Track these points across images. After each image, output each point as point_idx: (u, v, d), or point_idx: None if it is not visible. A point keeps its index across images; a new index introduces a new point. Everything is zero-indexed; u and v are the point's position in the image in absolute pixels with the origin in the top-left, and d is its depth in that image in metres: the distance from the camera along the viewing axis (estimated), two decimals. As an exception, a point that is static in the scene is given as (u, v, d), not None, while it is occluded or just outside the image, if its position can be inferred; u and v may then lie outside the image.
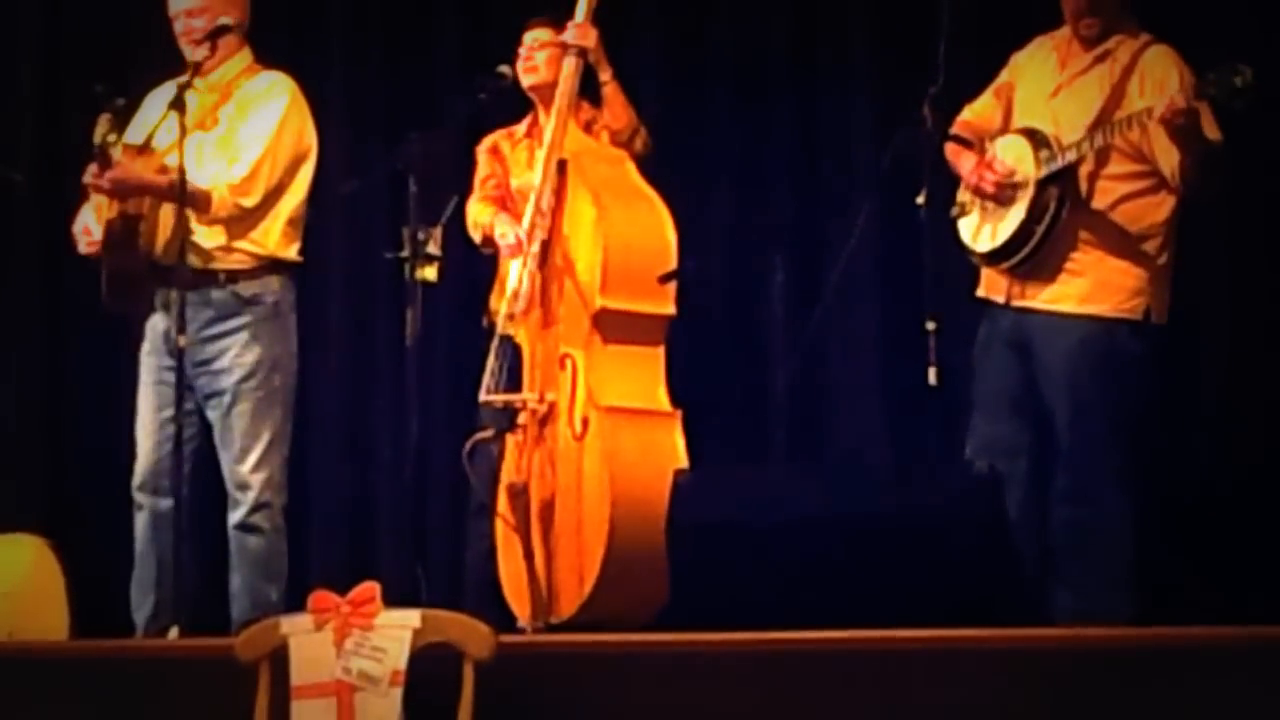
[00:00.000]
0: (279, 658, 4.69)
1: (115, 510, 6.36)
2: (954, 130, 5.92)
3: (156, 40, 6.43)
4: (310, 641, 4.68)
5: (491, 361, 6.13)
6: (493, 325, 6.22)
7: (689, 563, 5.20)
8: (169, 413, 5.91)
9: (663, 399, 6.06)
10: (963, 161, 5.90)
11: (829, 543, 5.03)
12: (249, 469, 5.99)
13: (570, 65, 6.25)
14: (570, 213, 6.13)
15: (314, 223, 6.25)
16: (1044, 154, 5.70)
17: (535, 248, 6.12)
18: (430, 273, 6.03)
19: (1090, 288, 5.72)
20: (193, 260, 5.98)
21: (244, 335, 6.01)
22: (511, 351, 6.14)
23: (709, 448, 6.25)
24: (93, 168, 5.93)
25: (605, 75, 6.31)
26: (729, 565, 5.10)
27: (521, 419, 6.09)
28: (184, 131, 5.84)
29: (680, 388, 6.09)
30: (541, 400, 6.05)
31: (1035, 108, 5.84)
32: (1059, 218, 5.69)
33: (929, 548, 4.96)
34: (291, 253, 6.13)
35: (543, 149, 6.23)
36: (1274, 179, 6.28)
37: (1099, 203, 5.73)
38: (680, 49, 7.13)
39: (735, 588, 5.06)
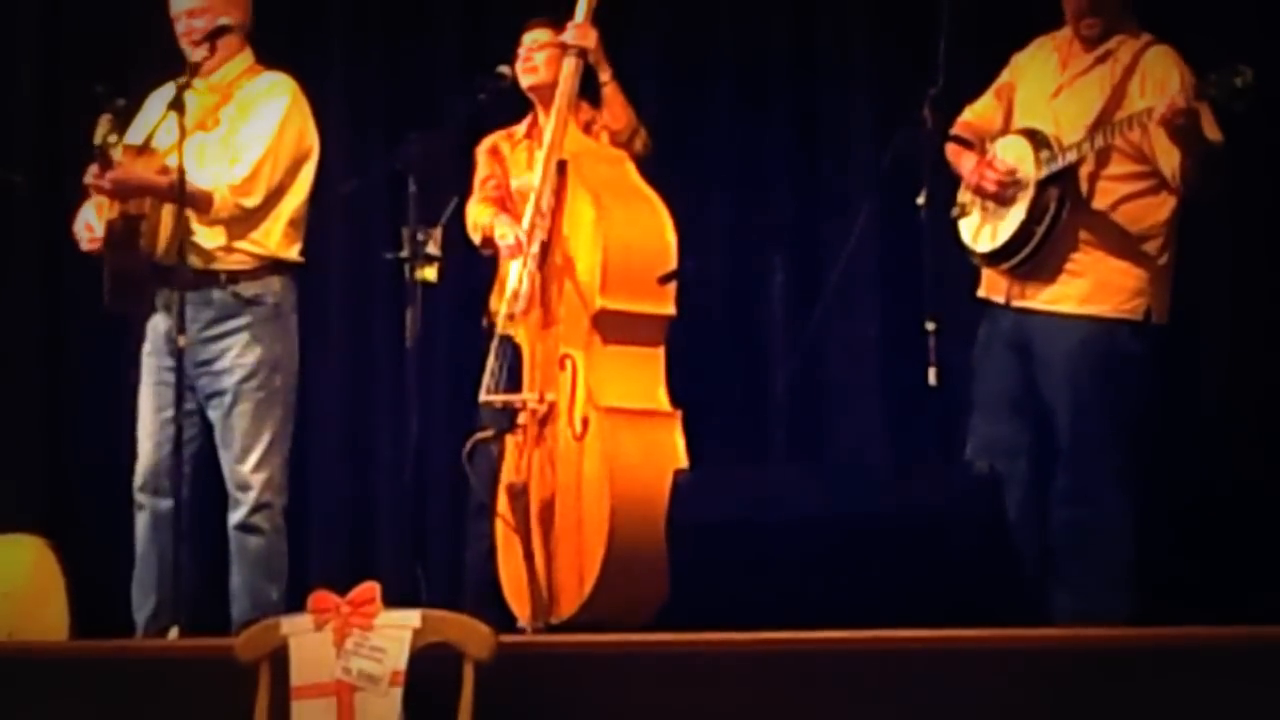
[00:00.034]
0: (279, 658, 4.70)
1: (115, 510, 6.37)
2: (954, 131, 5.92)
3: (157, 41, 6.43)
4: (310, 642, 4.68)
5: (491, 362, 6.14)
6: (492, 325, 6.22)
7: (689, 563, 5.20)
8: (170, 413, 5.91)
9: (663, 399, 6.06)
10: (963, 162, 5.90)
11: (829, 543, 5.03)
12: (249, 469, 5.99)
13: (570, 66, 6.25)
14: (570, 213, 6.13)
15: (314, 223, 6.25)
16: (1044, 154, 5.70)
17: (535, 248, 6.13)
18: (430, 273, 6.03)
19: (1091, 288, 5.72)
20: (194, 261, 5.98)
21: (245, 336, 6.01)
22: (511, 352, 6.14)
23: (709, 448, 6.25)
24: (93, 168, 5.93)
25: (605, 76, 6.31)
26: (729, 565, 5.09)
27: (521, 419, 6.09)
28: (183, 132, 5.85)
29: (680, 388, 6.10)
30: (541, 400, 6.05)
31: (1036, 108, 5.84)
32: (1059, 218, 5.69)
33: (929, 548, 4.96)
34: (293, 253, 6.13)
35: (542, 149, 6.23)
36: (1274, 179, 6.28)
37: (1099, 203, 5.73)
38: (680, 49, 7.13)
39: (735, 588, 5.06)
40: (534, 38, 6.40)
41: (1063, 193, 5.69)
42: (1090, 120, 5.69)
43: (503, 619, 5.90)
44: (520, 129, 6.51)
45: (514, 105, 6.49)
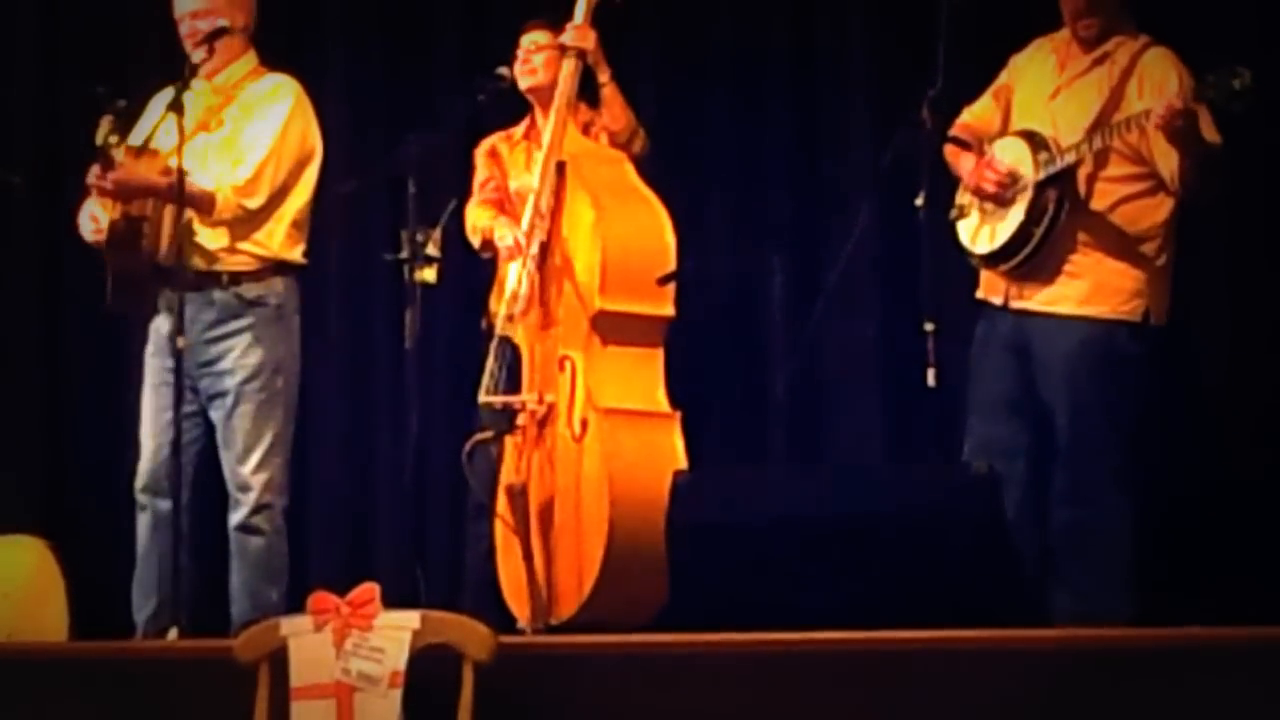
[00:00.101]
0: (278, 659, 4.70)
1: (115, 511, 6.38)
2: (953, 132, 5.92)
3: (158, 42, 6.43)
4: (310, 642, 4.68)
5: (491, 363, 6.14)
6: (492, 327, 6.22)
7: (688, 563, 5.20)
8: (172, 414, 5.90)
9: (662, 400, 6.06)
10: (962, 163, 5.90)
11: (828, 544, 5.03)
12: (250, 470, 5.99)
13: (569, 67, 6.25)
14: (569, 214, 6.13)
15: (313, 224, 6.24)
16: (1043, 156, 5.70)
17: (534, 249, 6.13)
18: (429, 274, 6.03)
19: (1089, 289, 5.72)
20: (196, 262, 5.99)
21: (247, 337, 6.01)
22: (510, 353, 6.14)
23: (708, 448, 6.26)
24: (95, 169, 5.93)
25: (604, 77, 6.31)
26: (728, 566, 5.10)
27: (521, 420, 6.09)
28: (182, 133, 5.85)
29: (679, 389, 6.10)
30: (541, 401, 6.05)
31: (1034, 110, 5.84)
32: (1058, 220, 5.70)
33: (928, 548, 4.97)
34: (296, 255, 6.13)
35: (541, 151, 6.24)
36: (1273, 181, 6.28)
37: (1098, 204, 5.73)
38: (679, 50, 7.13)
39: (734, 588, 5.06)
40: (532, 39, 6.40)
41: (1061, 194, 5.70)
42: (1088, 122, 5.69)
43: (502, 620, 5.90)
44: (519, 130, 6.51)
45: (513, 106, 6.50)
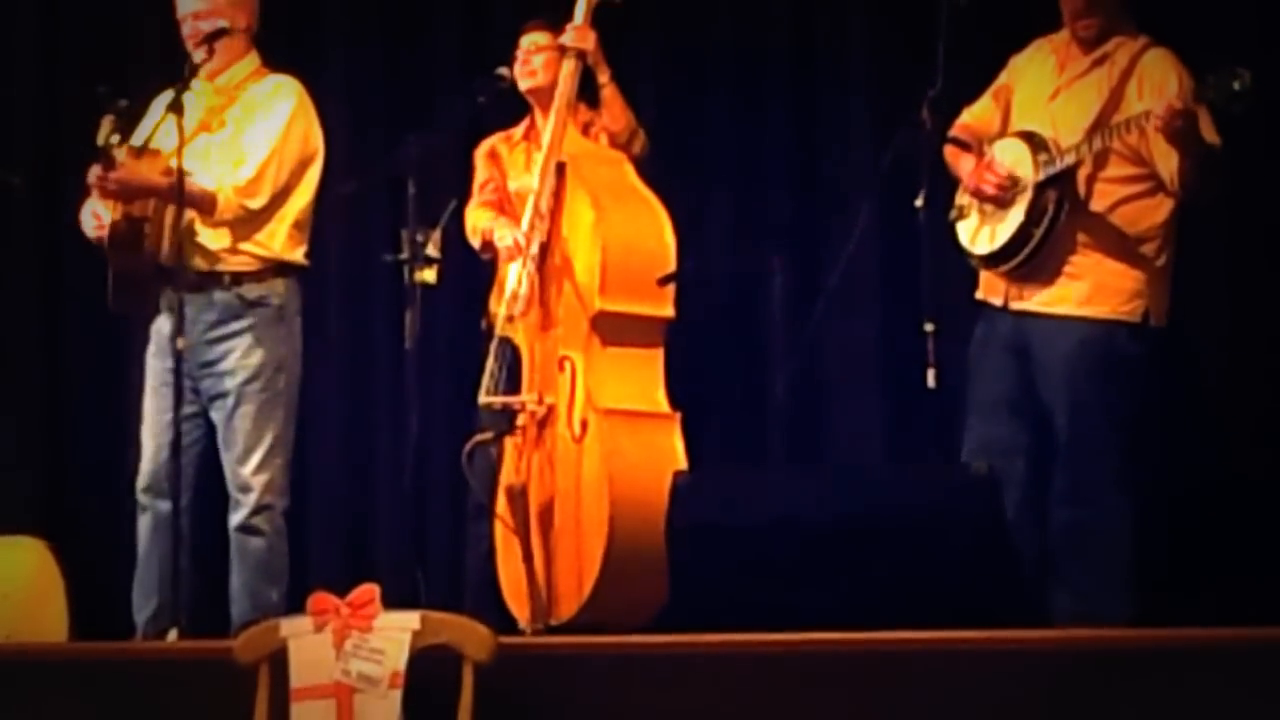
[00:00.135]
0: (278, 660, 4.70)
1: (115, 512, 6.38)
2: (953, 133, 5.92)
3: (159, 42, 6.43)
4: (310, 643, 4.68)
5: (490, 364, 6.14)
6: (491, 327, 6.23)
7: (688, 564, 5.20)
8: (169, 416, 5.90)
9: (662, 401, 6.06)
10: (962, 164, 5.90)
11: (828, 544, 5.04)
12: (250, 471, 5.99)
13: (569, 67, 6.25)
14: (569, 215, 6.13)
15: (313, 225, 6.24)
16: (1042, 157, 5.70)
17: (534, 250, 6.13)
18: (429, 275, 6.04)
19: (1089, 290, 5.72)
20: (198, 262, 6.00)
21: (248, 338, 6.01)
22: (510, 354, 6.14)
23: (708, 449, 6.26)
24: (97, 169, 5.93)
25: (604, 77, 6.31)
26: (728, 567, 5.10)
27: (521, 421, 6.09)
28: (181, 134, 5.85)
29: (679, 390, 6.10)
30: (540, 402, 6.05)
31: (1034, 111, 5.84)
32: (1057, 220, 5.70)
33: (927, 549, 4.97)
34: (297, 255, 6.13)
35: (540, 151, 6.24)
36: (1273, 182, 6.28)
37: (1097, 205, 5.73)
38: (679, 50, 7.13)
39: (734, 589, 5.07)
40: (532, 40, 6.40)
41: (1061, 195, 5.69)
42: (1088, 123, 5.69)
43: (502, 621, 5.90)
44: (518, 131, 6.51)
45: (513, 107, 6.50)
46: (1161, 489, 5.96)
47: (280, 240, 6.08)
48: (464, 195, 6.42)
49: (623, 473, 5.87)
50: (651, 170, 6.29)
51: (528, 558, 6.00)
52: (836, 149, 6.97)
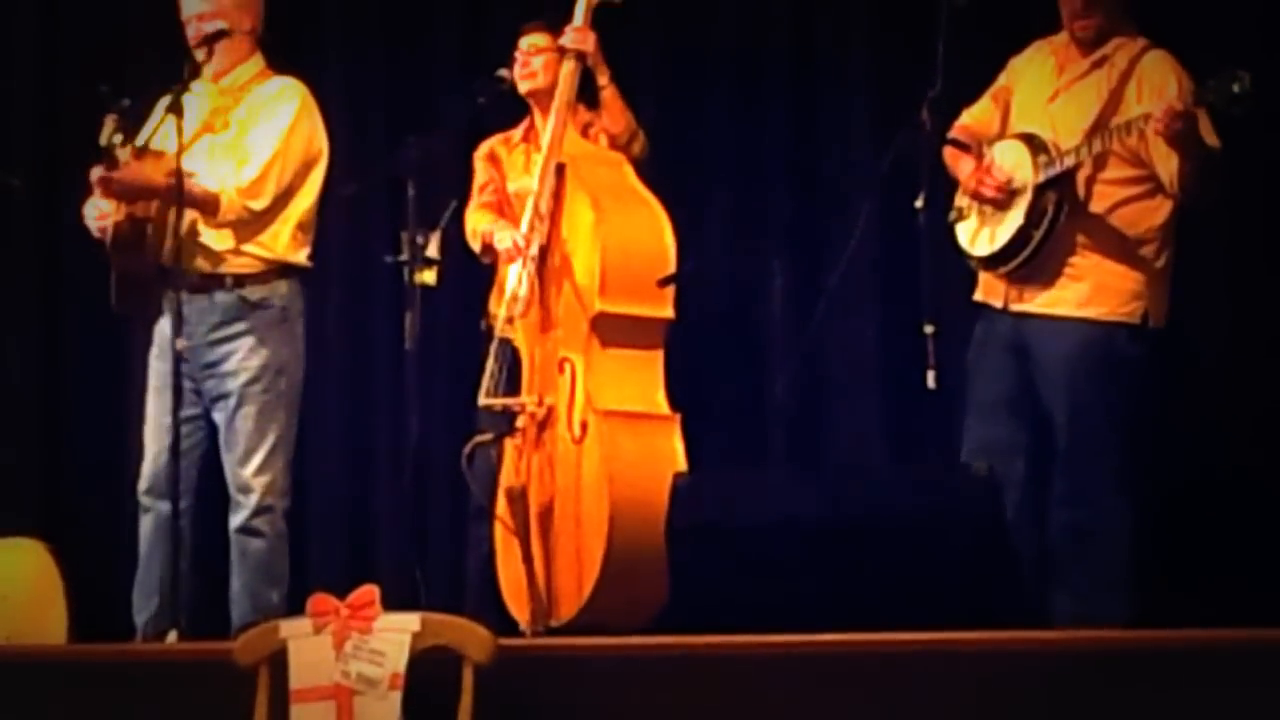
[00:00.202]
0: (278, 661, 4.70)
1: (115, 513, 6.37)
2: (952, 134, 5.91)
3: (159, 42, 6.43)
4: (309, 645, 4.68)
5: (490, 365, 6.14)
6: (491, 329, 6.23)
7: (688, 565, 5.20)
8: (169, 418, 5.90)
9: (661, 402, 6.06)
10: (961, 166, 5.90)
11: (828, 545, 5.04)
12: (251, 472, 5.99)
13: (568, 69, 6.25)
14: (569, 216, 6.13)
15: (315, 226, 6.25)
16: (1042, 159, 5.70)
17: (534, 251, 6.13)
18: (429, 276, 6.04)
19: (1088, 292, 5.72)
20: (201, 263, 6.00)
21: (251, 339, 6.01)
22: (510, 355, 6.14)
23: (708, 450, 6.25)
24: (100, 169, 5.93)
25: (603, 79, 6.31)
26: (728, 568, 5.10)
27: (520, 422, 6.09)
28: (181, 135, 5.85)
29: (679, 391, 6.10)
30: (540, 404, 6.05)
31: (1033, 112, 5.84)
32: (1057, 222, 5.70)
33: (927, 550, 4.97)
34: (301, 257, 6.12)
35: (540, 153, 6.24)
36: (1272, 184, 6.28)
37: (1097, 207, 5.73)
38: (679, 50, 7.13)
39: (734, 590, 5.07)
40: (531, 42, 6.40)
41: (1060, 197, 5.69)
42: (1087, 125, 5.69)
43: (502, 622, 5.90)
44: (517, 133, 6.51)
45: (513, 108, 6.50)
46: (1161, 490, 5.96)
47: (283, 242, 6.08)
48: (464, 196, 6.43)
49: (622, 474, 5.87)
50: (651, 171, 6.29)
51: (528, 559, 6.00)
52: (836, 149, 6.96)
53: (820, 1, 7.03)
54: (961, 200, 5.89)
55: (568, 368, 6.02)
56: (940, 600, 4.88)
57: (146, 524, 6.01)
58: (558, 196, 6.15)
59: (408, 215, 6.07)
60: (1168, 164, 5.60)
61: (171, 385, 5.88)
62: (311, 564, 6.89)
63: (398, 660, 4.62)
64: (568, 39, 6.27)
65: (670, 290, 6.09)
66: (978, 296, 5.91)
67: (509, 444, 6.10)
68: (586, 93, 6.33)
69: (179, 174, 5.83)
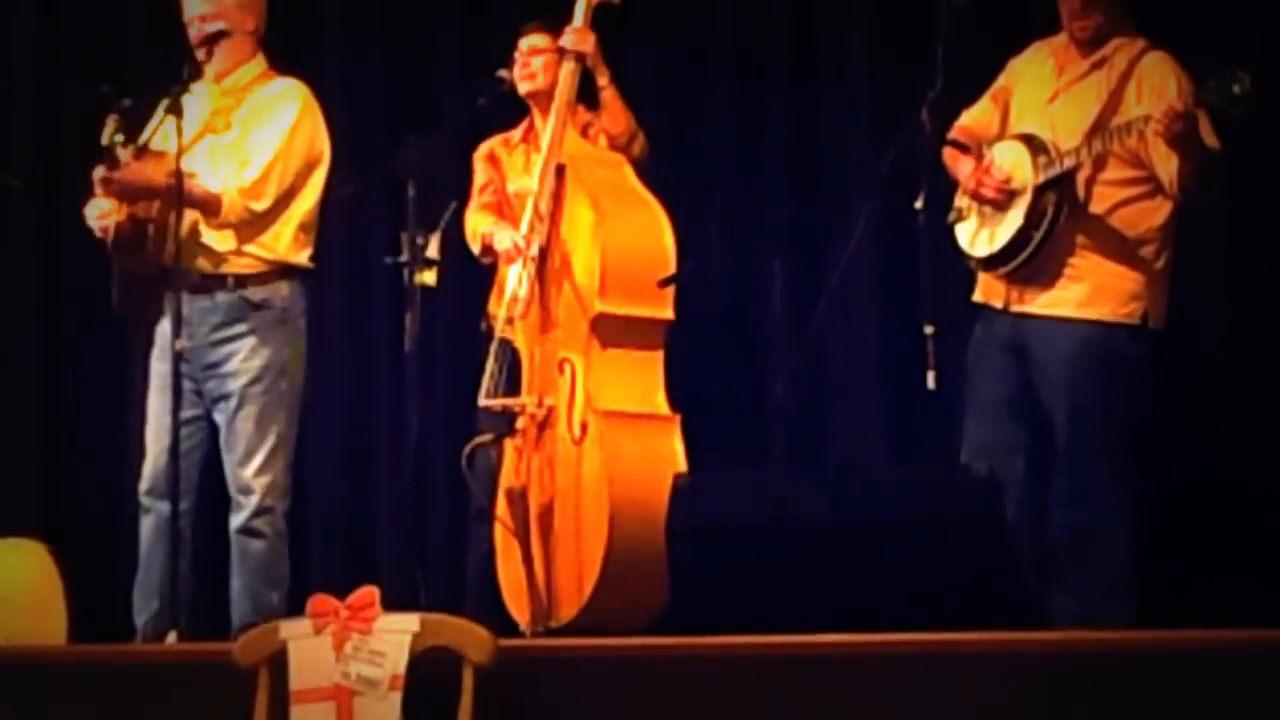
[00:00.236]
0: (278, 662, 4.70)
1: (115, 514, 6.37)
2: (952, 135, 5.92)
3: (160, 43, 6.43)
4: (309, 646, 4.68)
5: (490, 365, 6.14)
6: (491, 330, 6.23)
7: (688, 566, 5.20)
8: (169, 419, 5.90)
9: (661, 403, 6.07)
10: (960, 166, 5.90)
11: (828, 546, 5.04)
12: (252, 473, 5.99)
13: (568, 69, 6.25)
14: (568, 217, 6.13)
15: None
16: (1041, 160, 5.70)
17: (534, 251, 6.13)
18: (429, 277, 6.03)
19: (1088, 292, 5.72)
20: (202, 264, 6.00)
21: (252, 340, 6.00)
22: (510, 356, 6.14)
23: (708, 451, 6.24)
24: (101, 169, 5.93)
25: (603, 80, 6.31)
26: (728, 569, 5.10)
27: (520, 423, 6.09)
28: (180, 136, 5.85)
29: (679, 391, 6.10)
30: (540, 404, 6.05)
31: (1033, 113, 5.84)
32: (1056, 223, 5.70)
33: (927, 550, 4.97)
34: (302, 258, 6.12)
35: (539, 153, 6.24)
36: (1272, 185, 6.29)
37: (1096, 208, 5.73)
38: (679, 50, 7.13)
39: (734, 591, 5.07)
40: (530, 43, 6.39)
41: (1060, 198, 5.69)
42: (1087, 126, 5.69)
43: (502, 623, 5.90)
44: (516, 134, 6.50)
45: (513, 109, 6.50)
46: (1161, 490, 5.96)
47: (285, 243, 6.08)
48: (464, 197, 6.42)
49: (622, 475, 5.87)
50: (651, 172, 6.29)
51: (528, 560, 6.00)
52: (836, 149, 6.96)
53: (820, 2, 7.03)
54: (961, 201, 5.89)
55: (567, 368, 6.02)
56: (940, 600, 4.88)
57: (147, 524, 6.01)
58: (557, 197, 6.15)
59: (408, 216, 6.07)
60: (1167, 165, 5.61)
61: (172, 386, 5.88)
62: (312, 565, 6.89)
63: (398, 661, 4.62)
64: (567, 40, 6.27)
65: (670, 291, 6.09)
66: (977, 297, 5.91)
67: (509, 445, 6.10)
68: (586, 93, 6.33)
69: (179, 175, 5.83)
